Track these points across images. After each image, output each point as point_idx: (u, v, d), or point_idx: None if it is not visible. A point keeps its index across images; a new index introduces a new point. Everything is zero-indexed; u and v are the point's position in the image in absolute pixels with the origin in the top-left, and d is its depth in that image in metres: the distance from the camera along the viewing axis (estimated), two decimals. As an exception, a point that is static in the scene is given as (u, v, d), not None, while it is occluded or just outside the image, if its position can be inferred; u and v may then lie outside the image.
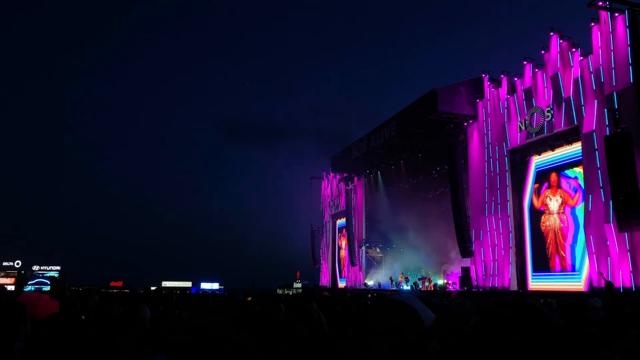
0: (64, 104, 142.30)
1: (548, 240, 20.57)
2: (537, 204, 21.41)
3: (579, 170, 19.26)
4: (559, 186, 20.44)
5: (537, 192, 21.42)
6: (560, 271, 19.95)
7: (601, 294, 14.67)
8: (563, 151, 20.30)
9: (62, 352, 2.76)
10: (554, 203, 20.52)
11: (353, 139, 35.53)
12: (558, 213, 20.29)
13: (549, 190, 20.83)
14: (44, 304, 3.30)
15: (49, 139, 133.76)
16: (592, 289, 17.20)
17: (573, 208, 19.67)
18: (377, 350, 1.54)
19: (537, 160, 21.61)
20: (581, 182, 19.04)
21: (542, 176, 21.30)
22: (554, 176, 20.67)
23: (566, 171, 20.14)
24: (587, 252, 18.12)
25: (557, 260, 20.15)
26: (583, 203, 18.59)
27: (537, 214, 21.39)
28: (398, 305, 1.61)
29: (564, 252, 19.86)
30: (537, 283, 20.99)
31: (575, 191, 19.61)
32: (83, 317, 4.44)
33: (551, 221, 20.50)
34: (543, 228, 20.82)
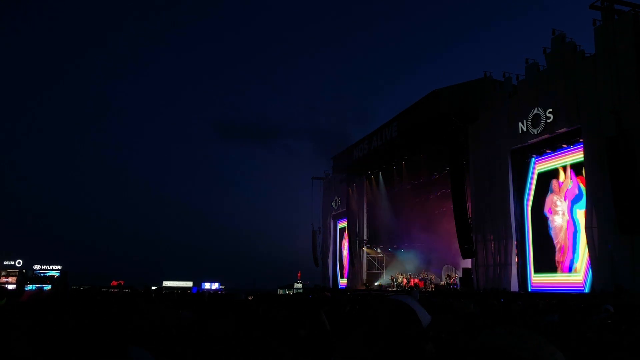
0: (73, 103, 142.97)
1: (554, 242, 20.49)
2: (541, 206, 21.36)
3: (580, 171, 19.23)
4: (562, 188, 20.41)
5: (541, 194, 21.38)
6: (562, 272, 19.92)
7: (604, 296, 14.66)
8: (565, 152, 20.28)
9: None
10: (558, 206, 20.48)
11: (350, 139, 35.63)
12: (562, 215, 20.24)
13: (553, 193, 20.79)
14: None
15: (54, 139, 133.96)
16: (594, 291, 17.17)
17: (575, 210, 19.64)
18: (375, 350, 1.55)
19: (539, 161, 21.58)
20: (583, 183, 19.01)
21: (545, 177, 21.27)
22: (557, 177, 20.65)
23: (568, 172, 20.12)
24: (588, 254, 18.09)
25: (559, 261, 20.12)
26: (585, 204, 18.55)
27: (539, 215, 21.35)
28: (397, 305, 1.62)
29: (567, 254, 19.84)
30: (538, 284, 20.97)
31: (578, 193, 19.59)
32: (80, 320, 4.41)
33: (557, 223, 20.44)
34: (551, 230, 20.72)
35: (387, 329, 1.57)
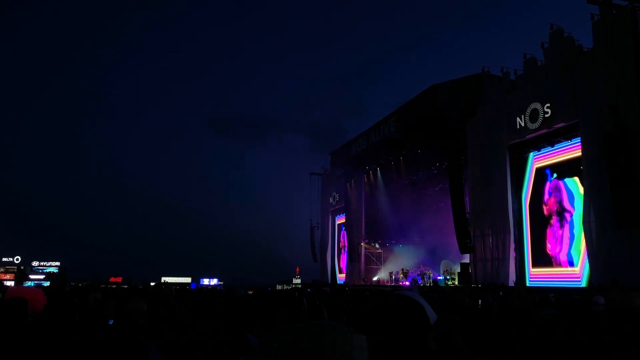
0: (68, 102, 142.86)
1: (550, 237, 20.55)
2: (538, 200, 21.39)
3: (578, 166, 19.24)
4: (559, 183, 20.44)
5: (539, 189, 21.40)
6: (560, 267, 19.98)
7: (601, 290, 14.68)
8: (562, 147, 20.29)
9: (48, 349, 2.75)
10: (556, 200, 20.51)
11: (347, 134, 35.66)
12: (560, 209, 20.28)
13: (551, 187, 20.82)
14: (35, 296, 3.31)
15: (50, 137, 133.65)
16: (591, 284, 17.22)
17: (573, 204, 19.67)
18: (383, 345, 1.54)
19: (537, 157, 21.59)
20: (580, 178, 19.03)
21: (543, 172, 21.28)
22: (554, 173, 20.68)
23: (566, 167, 20.13)
24: (586, 249, 18.13)
25: (557, 256, 20.17)
26: (582, 199, 18.57)
27: (536, 209, 21.39)
28: (406, 301, 1.62)
29: (564, 248, 19.89)
30: (536, 278, 21.03)
31: (576, 187, 19.61)
32: (77, 315, 4.40)
33: (555, 217, 20.47)
34: (549, 224, 20.75)
35: (399, 323, 1.57)
